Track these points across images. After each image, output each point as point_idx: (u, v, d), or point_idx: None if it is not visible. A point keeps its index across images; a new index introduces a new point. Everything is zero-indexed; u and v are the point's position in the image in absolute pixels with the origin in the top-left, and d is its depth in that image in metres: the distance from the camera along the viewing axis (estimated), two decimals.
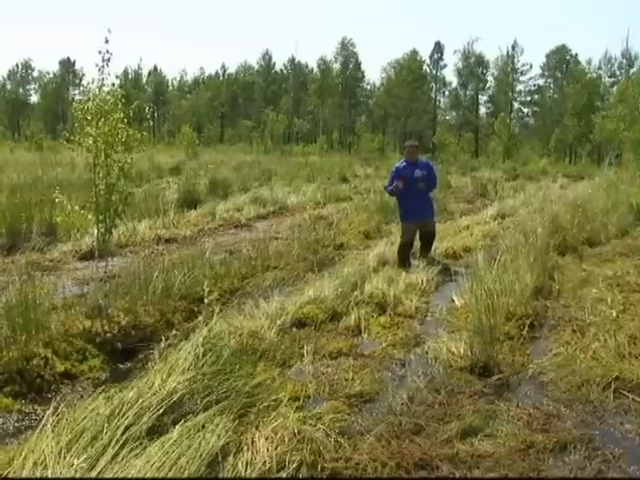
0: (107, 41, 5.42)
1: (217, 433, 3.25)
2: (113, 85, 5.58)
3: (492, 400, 4.18)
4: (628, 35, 72.86)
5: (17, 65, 74.71)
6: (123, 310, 5.52)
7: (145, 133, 6.04)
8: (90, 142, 5.28)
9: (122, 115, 5.44)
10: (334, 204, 15.39)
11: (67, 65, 74.11)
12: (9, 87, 75.66)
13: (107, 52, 5.45)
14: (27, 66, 75.10)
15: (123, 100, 5.51)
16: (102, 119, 5.33)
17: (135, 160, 5.71)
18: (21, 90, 75.96)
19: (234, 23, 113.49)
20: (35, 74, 75.93)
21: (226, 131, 70.35)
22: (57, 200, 5.66)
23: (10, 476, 3.01)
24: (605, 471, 3.35)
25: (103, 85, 5.50)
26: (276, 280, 7.31)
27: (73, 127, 5.89)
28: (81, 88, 64.31)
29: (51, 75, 74.71)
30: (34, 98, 77.06)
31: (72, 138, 5.52)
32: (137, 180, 15.58)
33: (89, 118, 5.36)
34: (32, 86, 76.68)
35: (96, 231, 5.66)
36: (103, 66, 5.47)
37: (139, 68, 73.40)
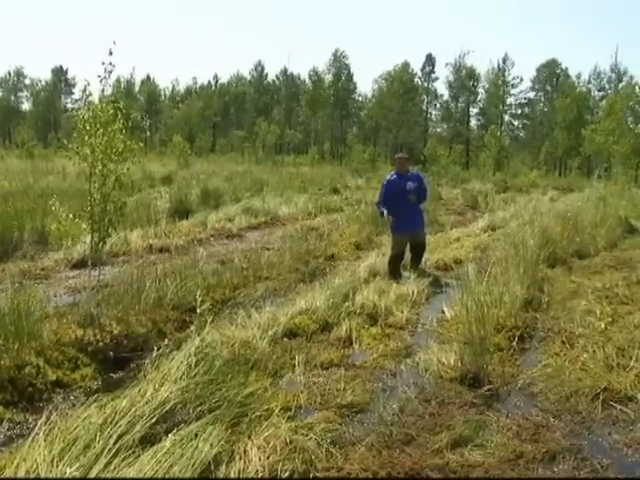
0: (111, 53, 5.49)
1: (209, 442, 3.27)
2: (114, 97, 5.65)
3: (482, 410, 4.22)
4: (617, 50, 73.44)
5: (9, 72, 74.72)
6: (115, 319, 5.53)
7: (142, 144, 6.08)
8: (87, 152, 5.32)
9: (120, 126, 5.49)
10: (325, 215, 15.43)
11: (59, 73, 74.04)
12: (1, 94, 75.49)
13: (110, 64, 5.53)
14: (19, 73, 75.03)
15: (123, 111, 5.56)
16: (101, 129, 5.38)
17: (129, 170, 5.73)
18: (13, 97, 75.80)
19: (227, 33, 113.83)
20: (27, 82, 75.94)
21: (218, 141, 70.38)
22: (53, 208, 5.69)
23: None
24: None
25: (104, 96, 5.56)
26: (268, 290, 7.33)
27: (70, 135, 5.93)
28: (80, 95, 64.24)
29: (43, 83, 74.70)
30: (26, 106, 77.02)
31: (70, 146, 5.55)
32: (129, 189, 15.57)
33: (88, 128, 5.40)
34: (24, 94, 76.64)
35: (90, 240, 5.68)
36: (105, 77, 5.55)
37: (131, 77, 73.39)
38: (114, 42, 5.51)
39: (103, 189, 5.43)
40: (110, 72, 5.56)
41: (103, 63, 5.52)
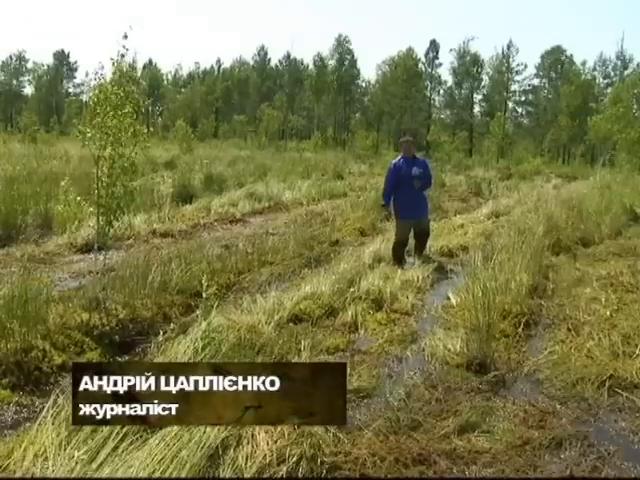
0: (126, 37, 5.49)
1: (217, 427, 3.27)
2: (124, 80, 5.63)
3: (488, 397, 4.22)
4: (623, 37, 72.83)
5: (11, 56, 74.22)
6: (121, 303, 5.54)
7: (151, 129, 6.08)
8: (97, 135, 5.30)
9: (130, 109, 5.47)
10: (329, 200, 15.43)
11: (61, 57, 73.72)
12: (3, 79, 75.08)
13: (124, 47, 5.52)
14: (21, 58, 74.57)
15: (135, 95, 5.56)
16: (111, 112, 5.36)
17: (137, 154, 5.72)
18: (15, 82, 75.45)
19: (230, 18, 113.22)
20: (29, 66, 75.50)
21: (220, 126, 70.12)
22: (64, 189, 5.69)
23: (11, 468, 3.03)
24: (600, 467, 3.40)
25: (115, 79, 5.55)
26: (272, 275, 7.33)
27: (73, 119, 5.96)
28: (83, 79, 64.14)
29: (45, 67, 74.33)
30: (28, 90, 76.69)
31: (80, 128, 5.52)
32: (131, 174, 15.55)
33: (98, 110, 5.38)
34: (26, 78, 76.22)
35: (97, 223, 5.67)
36: (117, 60, 5.54)
37: (134, 61, 72.86)
38: (130, 26, 5.52)
39: (111, 172, 5.42)
40: (123, 56, 5.57)
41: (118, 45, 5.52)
